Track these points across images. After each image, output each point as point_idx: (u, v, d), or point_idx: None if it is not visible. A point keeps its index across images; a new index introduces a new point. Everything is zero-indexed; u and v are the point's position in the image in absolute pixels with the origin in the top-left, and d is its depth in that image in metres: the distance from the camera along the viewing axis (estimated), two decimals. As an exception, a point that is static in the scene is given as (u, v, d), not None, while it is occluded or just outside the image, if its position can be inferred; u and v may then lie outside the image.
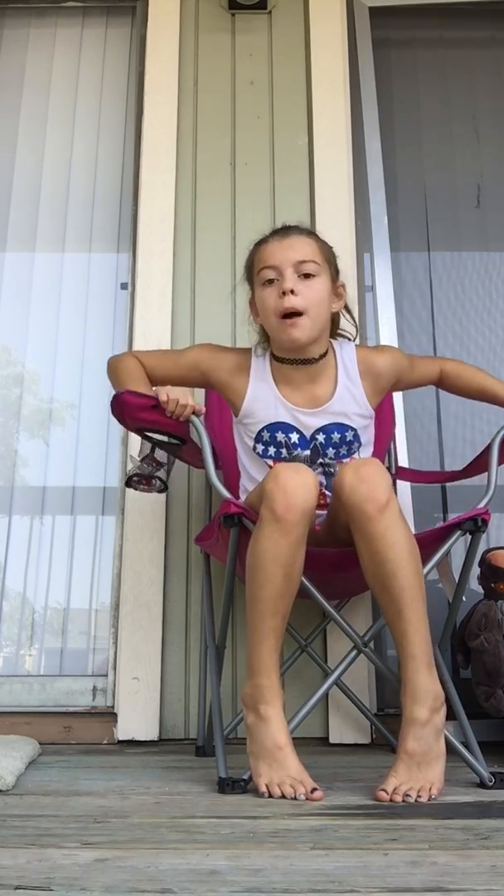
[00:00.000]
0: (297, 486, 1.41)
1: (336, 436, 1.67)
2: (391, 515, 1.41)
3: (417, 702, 1.36)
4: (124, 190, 2.59)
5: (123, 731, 2.03)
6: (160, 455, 1.69)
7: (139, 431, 1.66)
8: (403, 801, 1.28)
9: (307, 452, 1.68)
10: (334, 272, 1.68)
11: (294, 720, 1.45)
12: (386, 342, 2.36)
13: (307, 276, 1.61)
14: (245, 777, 1.38)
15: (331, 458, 1.68)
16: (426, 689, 1.37)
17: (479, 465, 1.82)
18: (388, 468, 2.11)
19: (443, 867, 0.93)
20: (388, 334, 2.38)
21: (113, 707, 2.10)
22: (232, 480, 1.95)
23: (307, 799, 1.29)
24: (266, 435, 1.68)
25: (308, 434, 1.67)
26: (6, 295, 2.54)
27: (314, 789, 1.31)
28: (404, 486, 2.19)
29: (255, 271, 1.66)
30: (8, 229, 2.59)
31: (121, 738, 2.03)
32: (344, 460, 1.68)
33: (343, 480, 1.45)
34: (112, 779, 1.53)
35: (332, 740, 2.02)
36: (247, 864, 0.94)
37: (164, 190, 2.42)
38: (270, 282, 1.62)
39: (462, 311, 2.53)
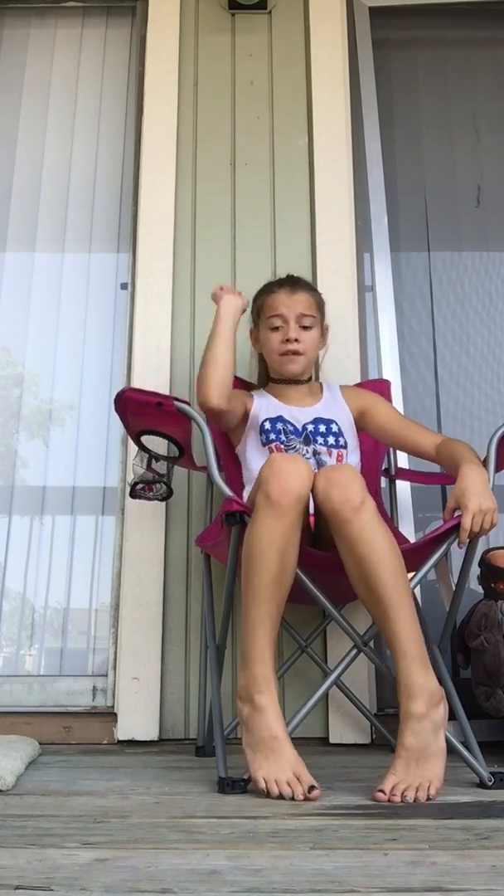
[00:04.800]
0: (292, 473, 1.46)
1: (323, 427, 1.90)
2: (367, 516, 1.44)
3: (412, 698, 1.36)
4: (124, 190, 2.59)
5: (123, 730, 2.03)
6: (159, 466, 1.71)
7: (138, 440, 1.67)
8: (402, 801, 1.28)
9: (301, 438, 1.88)
10: (322, 317, 2.00)
11: (294, 720, 1.45)
12: (386, 342, 2.37)
13: (305, 327, 1.92)
14: (245, 777, 1.38)
15: (321, 444, 1.87)
16: (420, 685, 1.37)
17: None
18: (388, 469, 2.13)
19: (443, 867, 0.93)
20: (388, 334, 2.38)
21: (113, 707, 2.10)
22: (233, 482, 1.95)
23: (305, 800, 1.29)
24: (268, 424, 1.89)
25: (300, 426, 1.90)
26: (6, 295, 2.54)
27: (311, 788, 1.31)
28: (404, 487, 2.19)
29: (262, 314, 1.96)
30: (8, 229, 2.59)
31: (121, 738, 2.03)
32: (333, 451, 1.86)
33: (317, 487, 1.49)
34: (112, 779, 1.53)
35: (331, 740, 2.02)
36: (247, 864, 0.94)
37: (164, 190, 2.42)
38: (276, 328, 1.92)
39: (462, 311, 2.53)
